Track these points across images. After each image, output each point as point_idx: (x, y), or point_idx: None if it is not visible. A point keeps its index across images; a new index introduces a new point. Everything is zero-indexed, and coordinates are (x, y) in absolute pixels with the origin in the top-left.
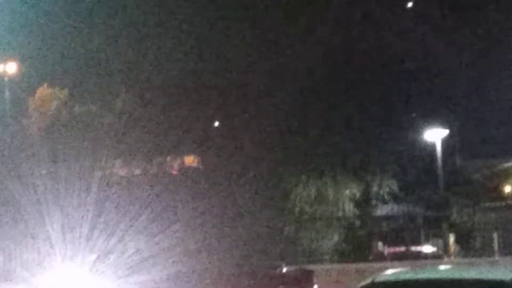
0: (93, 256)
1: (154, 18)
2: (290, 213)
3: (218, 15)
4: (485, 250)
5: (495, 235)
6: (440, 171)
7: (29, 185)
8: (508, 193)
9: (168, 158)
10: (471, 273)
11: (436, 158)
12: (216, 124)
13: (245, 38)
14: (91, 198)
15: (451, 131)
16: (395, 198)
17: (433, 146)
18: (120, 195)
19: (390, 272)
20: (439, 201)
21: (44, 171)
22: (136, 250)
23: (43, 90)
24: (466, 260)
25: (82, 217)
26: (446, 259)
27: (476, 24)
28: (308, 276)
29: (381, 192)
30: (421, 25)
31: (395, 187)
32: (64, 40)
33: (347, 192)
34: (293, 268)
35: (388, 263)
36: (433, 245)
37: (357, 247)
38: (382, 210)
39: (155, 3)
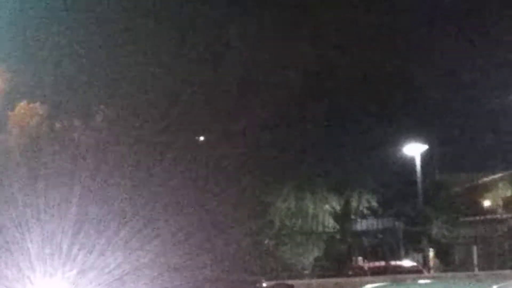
0: (73, 272)
1: (133, 33)
2: (270, 228)
3: (187, 30)
4: (465, 265)
5: (474, 249)
6: (419, 186)
7: (8, 201)
8: (487, 207)
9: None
10: (451, 287)
11: (415, 173)
12: (202, 138)
13: (223, 54)
14: (71, 213)
15: (430, 145)
16: (375, 213)
17: (412, 161)
18: (100, 211)
19: (370, 287)
20: (418, 215)
21: (23, 187)
22: (116, 266)
23: (23, 106)
24: (446, 274)
25: (62, 233)
26: (426, 273)
27: (456, 38)
28: None
29: (361, 207)
30: (400, 39)
31: (374, 202)
32: (44, 55)
33: (327, 206)
34: (272, 283)
35: (368, 278)
36: (413, 259)
37: (337, 262)
38: (361, 225)
39: (135, 18)
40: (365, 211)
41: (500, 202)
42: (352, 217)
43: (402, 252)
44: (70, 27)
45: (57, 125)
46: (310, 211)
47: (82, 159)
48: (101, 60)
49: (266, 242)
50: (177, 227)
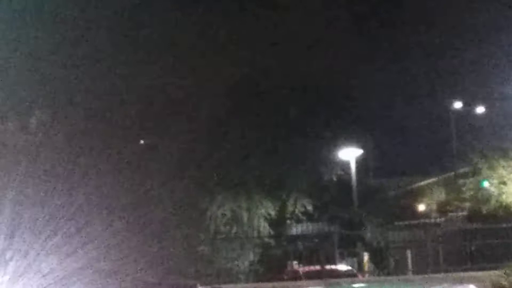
0: (6, 277)
1: (68, 33)
2: (205, 233)
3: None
4: (399, 268)
5: (408, 253)
6: (354, 190)
7: None
8: (421, 211)
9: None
10: None
11: (350, 177)
12: (141, 142)
13: (162, 55)
14: (4, 217)
15: (365, 150)
16: (310, 217)
17: (347, 165)
18: (34, 215)
19: None
20: (353, 219)
21: None
22: (50, 270)
23: None
24: (381, 278)
25: None
26: (360, 277)
27: (392, 43)
28: None
29: (296, 211)
30: (338, 43)
31: (309, 206)
32: None
33: (262, 211)
34: (208, 287)
35: (303, 282)
36: (347, 263)
37: (272, 267)
38: (297, 229)
39: (70, 18)
40: (301, 216)
41: (434, 206)
42: (288, 221)
43: (337, 256)
44: (8, 30)
45: None
46: (245, 216)
47: (16, 162)
48: (36, 61)
49: (201, 247)
50: (112, 231)
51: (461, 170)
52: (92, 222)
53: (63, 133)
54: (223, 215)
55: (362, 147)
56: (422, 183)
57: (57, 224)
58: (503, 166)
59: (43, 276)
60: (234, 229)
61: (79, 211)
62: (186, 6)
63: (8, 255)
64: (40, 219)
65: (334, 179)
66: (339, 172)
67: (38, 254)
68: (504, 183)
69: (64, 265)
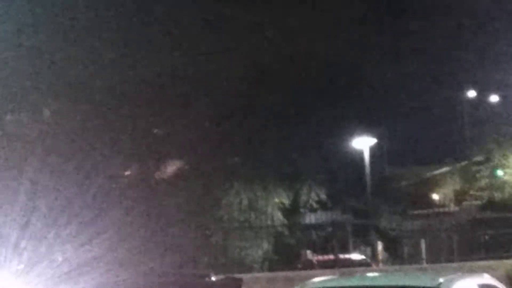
0: (21, 266)
1: (78, 29)
2: (220, 222)
3: (142, 27)
4: (413, 257)
5: (422, 243)
6: (368, 179)
7: None
8: (435, 200)
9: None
10: (398, 280)
11: (364, 166)
12: (155, 131)
13: (169, 50)
14: (18, 207)
15: (379, 139)
16: (324, 206)
17: (361, 154)
18: (48, 205)
19: (318, 280)
20: (367, 209)
21: None
22: (65, 259)
23: None
24: (394, 267)
25: (10, 226)
26: (374, 266)
27: (405, 34)
28: (237, 285)
29: (310, 200)
30: (350, 33)
31: (323, 195)
32: None
33: (276, 200)
34: (222, 276)
35: (317, 271)
36: (361, 252)
37: (286, 255)
38: (311, 218)
39: (80, 16)
40: (314, 205)
41: (449, 195)
42: (301, 210)
43: (351, 245)
44: (15, 23)
45: (5, 118)
46: (260, 205)
47: (29, 153)
48: (47, 54)
49: (216, 236)
50: (126, 221)
51: (475, 159)
52: (106, 211)
53: (76, 124)
54: (239, 204)
55: (376, 136)
56: (436, 172)
57: (71, 213)
58: None
59: (58, 265)
60: (249, 218)
61: (93, 201)
62: None
63: (23, 244)
64: (54, 209)
65: (348, 168)
66: (354, 161)
67: (53, 243)
68: None
69: (78, 254)
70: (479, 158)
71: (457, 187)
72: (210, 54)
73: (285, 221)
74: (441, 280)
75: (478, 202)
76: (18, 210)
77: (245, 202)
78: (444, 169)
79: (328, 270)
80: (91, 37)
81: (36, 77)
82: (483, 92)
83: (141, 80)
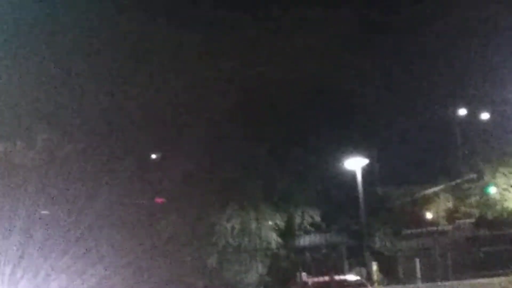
0: None
1: (74, 54)
2: (214, 246)
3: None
4: (408, 277)
5: (417, 262)
6: (361, 200)
7: None
8: (428, 219)
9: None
10: None
11: (357, 187)
12: (153, 156)
13: (164, 73)
14: (14, 237)
15: (371, 159)
16: (318, 228)
17: (354, 175)
18: (44, 234)
19: None
20: (361, 229)
21: None
22: None
23: None
24: (390, 287)
25: (5, 256)
26: (369, 287)
27: (395, 55)
28: None
29: (304, 222)
30: (341, 56)
31: (317, 217)
32: None
33: (270, 223)
34: None
35: None
36: (356, 273)
37: (281, 278)
38: (305, 240)
39: (71, 42)
40: (309, 227)
41: (442, 214)
42: (296, 232)
43: (346, 267)
44: (9, 49)
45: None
46: (254, 228)
47: (24, 181)
48: (42, 84)
49: (211, 260)
50: (121, 249)
51: (467, 177)
52: (101, 240)
53: (70, 150)
54: (232, 228)
55: (368, 157)
56: (429, 191)
57: (66, 243)
58: (504, 174)
59: None
60: (243, 242)
61: (88, 230)
62: (194, 16)
63: (19, 274)
64: (50, 238)
65: (341, 189)
66: (346, 182)
67: (48, 273)
68: (507, 189)
69: (74, 284)
70: (470, 176)
71: (450, 205)
72: (205, 79)
73: (280, 244)
74: None
75: (471, 220)
76: (13, 239)
77: (238, 226)
78: (437, 187)
79: None
80: (87, 62)
81: (30, 105)
82: (474, 110)
83: (135, 107)
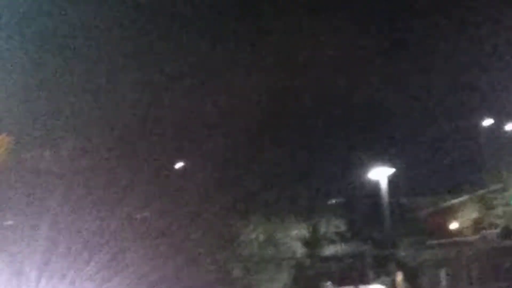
0: None
1: (96, 59)
2: (239, 257)
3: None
4: (433, 287)
5: (442, 272)
6: (386, 210)
7: None
8: (454, 229)
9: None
10: None
11: (381, 197)
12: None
13: (188, 79)
14: (40, 244)
15: (396, 168)
16: (343, 238)
17: (379, 185)
18: (69, 242)
19: None
20: (386, 239)
21: None
22: None
23: None
24: None
25: (31, 264)
26: None
27: (422, 62)
28: None
29: (329, 232)
30: (368, 64)
31: (342, 227)
32: (8, 87)
33: (295, 232)
34: None
35: None
36: (381, 283)
37: None
38: (330, 250)
39: (96, 46)
40: (334, 236)
41: (467, 224)
42: (321, 242)
43: (371, 276)
44: (34, 57)
45: (25, 156)
46: (279, 238)
47: (51, 189)
48: (67, 89)
49: (235, 271)
50: (146, 258)
51: (493, 188)
52: (126, 249)
53: (96, 158)
54: (257, 237)
55: (393, 166)
56: (454, 201)
57: (91, 251)
58: None
59: None
60: (268, 251)
61: (113, 238)
62: (219, 26)
63: (43, 282)
64: (74, 246)
65: (366, 199)
66: (371, 191)
67: (73, 281)
68: None
69: None
70: (495, 186)
71: (475, 215)
72: (226, 88)
73: (305, 253)
74: None
75: (497, 230)
76: (38, 247)
77: (262, 236)
78: (462, 198)
79: None
80: (111, 71)
81: (55, 114)
82: (499, 121)
83: (158, 116)
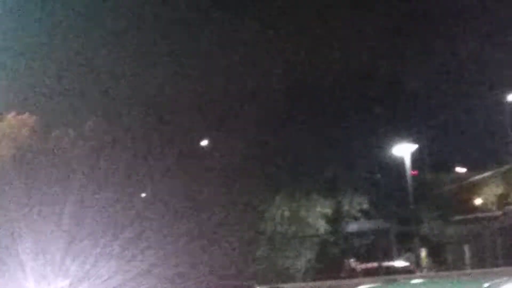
0: (66, 282)
1: (123, 43)
2: (263, 234)
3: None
4: (457, 263)
5: (466, 248)
6: (409, 186)
7: (1, 211)
8: (477, 205)
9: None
10: (443, 287)
11: (405, 173)
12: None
13: (213, 60)
14: (64, 223)
15: (420, 145)
16: (366, 214)
17: (402, 161)
18: (94, 220)
19: None
20: (409, 215)
21: (16, 197)
22: (110, 275)
23: (12, 118)
24: (438, 273)
25: (56, 242)
26: (418, 273)
27: (445, 39)
28: None
29: (352, 209)
30: (389, 41)
31: (365, 204)
32: (32, 67)
33: (319, 210)
34: (265, 287)
35: (361, 279)
36: (405, 259)
37: (330, 264)
38: (353, 227)
39: (126, 29)
40: (357, 213)
41: (491, 200)
42: (344, 219)
43: (395, 253)
44: (60, 40)
45: (51, 135)
46: (303, 216)
47: (75, 168)
48: (90, 69)
49: (260, 248)
50: (171, 236)
51: None
52: (151, 227)
53: (120, 137)
54: (282, 215)
55: (417, 141)
56: (479, 176)
57: (116, 229)
58: None
59: (103, 281)
60: (293, 228)
61: (138, 216)
62: (245, 10)
63: (69, 260)
64: (99, 224)
65: (389, 175)
66: (395, 167)
67: (98, 259)
68: None
69: (124, 270)
70: None
71: (500, 191)
72: (252, 68)
73: (328, 230)
74: (486, 285)
75: None
76: (64, 226)
77: (287, 213)
78: (487, 173)
79: (372, 278)
80: (136, 50)
81: (77, 91)
82: None
83: (182, 95)
